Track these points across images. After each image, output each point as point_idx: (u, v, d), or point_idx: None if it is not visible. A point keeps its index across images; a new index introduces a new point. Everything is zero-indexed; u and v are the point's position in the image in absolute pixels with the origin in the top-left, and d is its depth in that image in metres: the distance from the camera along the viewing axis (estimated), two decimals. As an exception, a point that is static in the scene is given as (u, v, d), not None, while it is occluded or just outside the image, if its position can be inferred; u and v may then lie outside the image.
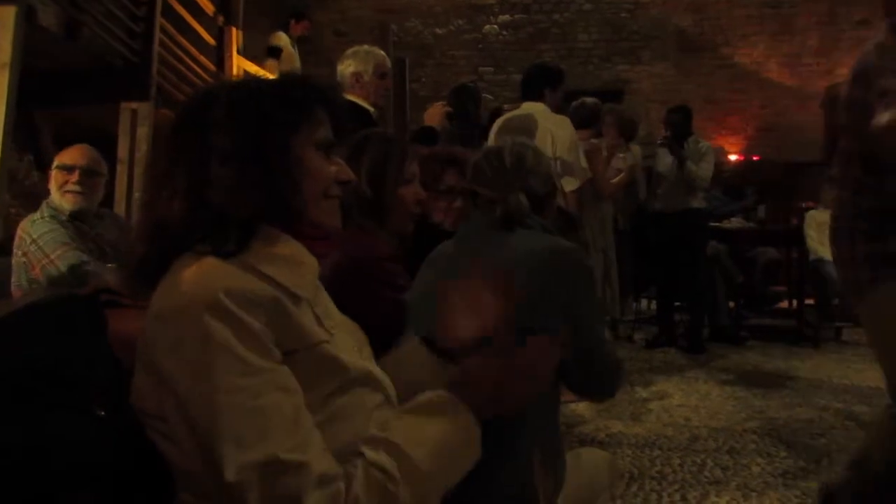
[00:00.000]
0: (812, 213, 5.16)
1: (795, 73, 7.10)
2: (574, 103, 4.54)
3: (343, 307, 1.43)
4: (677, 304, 5.25)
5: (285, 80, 1.03)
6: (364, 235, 1.64)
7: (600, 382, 1.45)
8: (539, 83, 3.87)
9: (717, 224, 5.67)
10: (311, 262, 0.99)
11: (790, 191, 6.09)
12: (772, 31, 7.18)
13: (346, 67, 3.00)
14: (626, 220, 5.19)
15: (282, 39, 5.98)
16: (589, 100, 4.61)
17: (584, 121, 4.52)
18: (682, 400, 3.83)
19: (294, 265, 0.95)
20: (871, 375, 4.37)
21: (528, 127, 3.88)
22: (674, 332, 5.09)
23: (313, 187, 0.98)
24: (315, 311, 0.96)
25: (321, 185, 0.99)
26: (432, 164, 2.04)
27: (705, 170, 4.85)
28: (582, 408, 3.61)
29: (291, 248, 0.96)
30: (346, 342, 1.02)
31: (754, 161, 6.81)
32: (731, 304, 5.46)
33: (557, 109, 3.93)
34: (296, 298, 0.92)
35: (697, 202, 4.86)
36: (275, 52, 5.83)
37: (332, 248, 1.57)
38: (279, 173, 0.93)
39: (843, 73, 6.75)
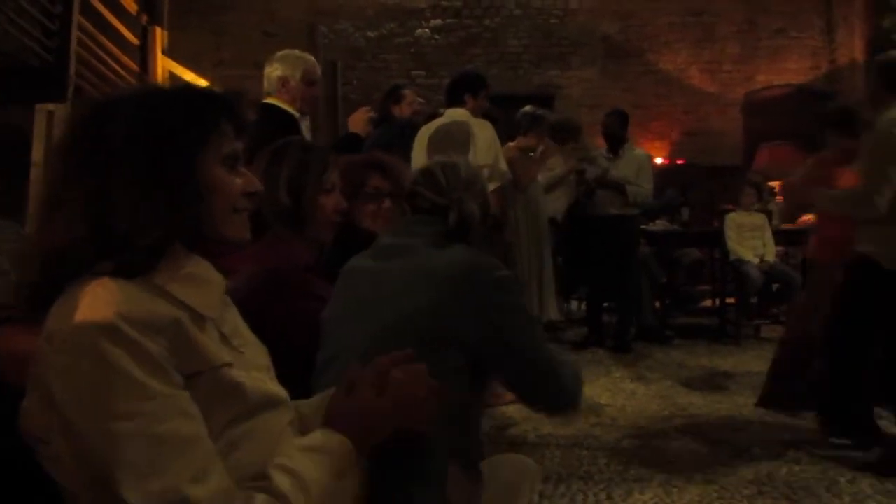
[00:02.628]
0: (731, 215, 5.34)
1: (716, 80, 7.36)
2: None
3: (262, 320, 1.41)
4: (606, 304, 5.37)
5: (188, 92, 1.00)
6: (283, 245, 1.62)
7: (555, 396, 1.41)
8: (461, 90, 3.92)
9: (643, 226, 5.83)
10: (217, 280, 0.97)
11: (712, 194, 6.30)
12: (694, 38, 7.42)
13: (274, 71, 2.95)
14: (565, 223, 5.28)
15: None
16: (527, 107, 4.70)
17: (523, 127, 4.60)
18: (610, 399, 3.91)
19: (200, 284, 0.93)
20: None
21: (463, 135, 3.91)
22: (602, 333, 5.20)
23: (221, 204, 0.96)
24: (221, 330, 0.94)
25: (229, 201, 0.97)
26: (355, 169, 2.03)
27: (646, 189, 4.98)
28: (512, 410, 3.64)
29: (198, 266, 0.94)
30: (256, 361, 1.00)
31: (679, 165, 7.02)
32: (657, 304, 5.61)
33: (483, 116, 3.99)
34: (201, 318, 0.89)
35: (629, 209, 4.96)
36: None
37: (242, 263, 1.55)
38: (185, 194, 0.90)
39: (762, 79, 7.06)
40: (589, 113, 6.49)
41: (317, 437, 0.96)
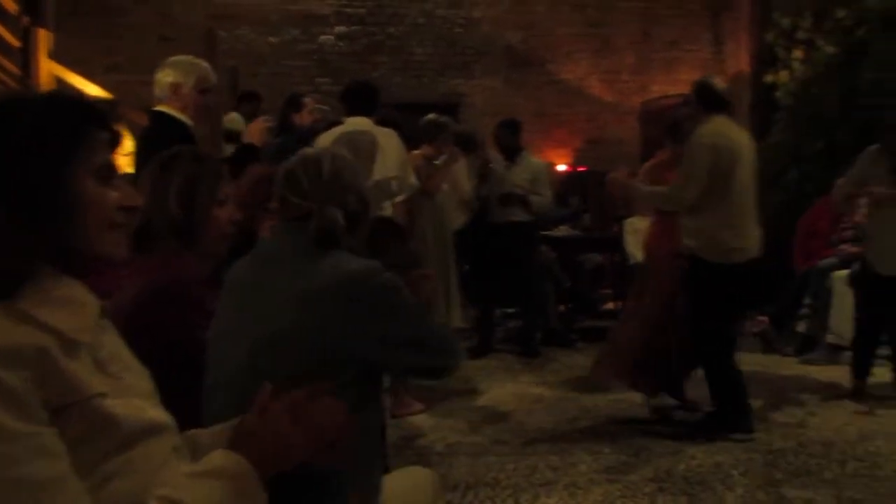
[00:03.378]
0: (630, 220, 5.52)
1: (615, 89, 7.62)
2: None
3: (151, 338, 1.34)
4: (511, 310, 5.46)
5: (54, 100, 0.93)
6: (173, 260, 1.55)
7: (444, 365, 1.50)
8: (361, 97, 3.91)
9: (546, 232, 5.95)
10: (91, 302, 0.90)
11: (611, 200, 6.50)
12: (593, 49, 7.65)
13: (165, 76, 2.82)
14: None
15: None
16: (431, 116, 4.70)
17: (427, 135, 4.60)
18: (517, 405, 3.96)
19: (72, 307, 0.86)
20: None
21: (369, 145, 3.88)
22: (492, 340, 5.22)
23: (94, 220, 0.89)
24: (97, 356, 0.88)
25: (103, 217, 0.91)
26: (264, 182, 1.98)
27: (546, 197, 5.07)
28: (420, 420, 3.64)
29: (70, 288, 0.87)
30: (137, 386, 0.95)
31: (580, 172, 7.21)
32: (562, 308, 5.73)
33: (385, 121, 3.98)
34: (72, 344, 0.83)
35: (523, 216, 5.02)
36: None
37: (130, 279, 1.48)
38: (51, 210, 0.84)
39: (657, 89, 7.34)
40: (493, 121, 6.51)
41: (211, 459, 0.92)
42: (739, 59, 7.68)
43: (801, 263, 5.38)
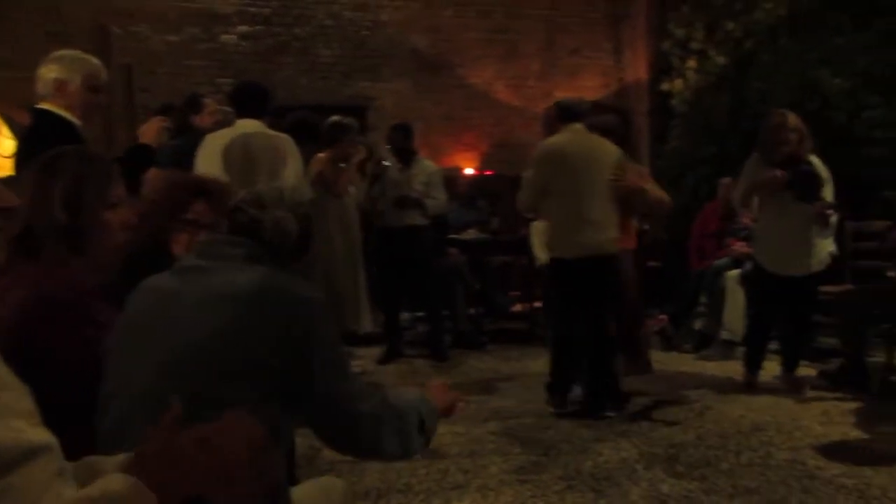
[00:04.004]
0: (536, 223, 5.59)
1: (520, 95, 7.75)
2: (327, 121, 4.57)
3: (34, 351, 1.24)
4: (419, 315, 5.45)
5: None
6: (58, 267, 1.44)
7: (369, 449, 1.36)
8: (253, 100, 3.81)
9: (455, 236, 5.98)
10: None
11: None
12: (500, 54, 7.76)
13: (49, 72, 2.64)
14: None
15: None
16: (334, 118, 4.64)
17: (331, 138, 4.54)
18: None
19: None
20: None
21: (269, 149, 3.78)
22: (400, 345, 5.20)
23: None
24: None
25: None
26: (180, 192, 1.88)
27: (441, 200, 5.06)
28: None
29: None
30: (15, 406, 0.87)
31: (487, 175, 7.29)
32: (471, 310, 5.77)
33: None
34: None
35: (418, 219, 4.99)
36: None
37: (12, 288, 1.37)
38: None
39: (561, 95, 7.48)
40: (402, 124, 6.56)
41: (104, 482, 0.84)
42: (638, 67, 7.97)
43: (697, 264, 5.62)
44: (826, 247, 3.97)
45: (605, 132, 3.94)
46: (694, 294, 5.53)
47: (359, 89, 7.30)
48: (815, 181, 3.79)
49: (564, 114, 3.88)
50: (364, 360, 5.03)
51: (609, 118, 4.26)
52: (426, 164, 5.16)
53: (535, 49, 7.88)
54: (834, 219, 3.89)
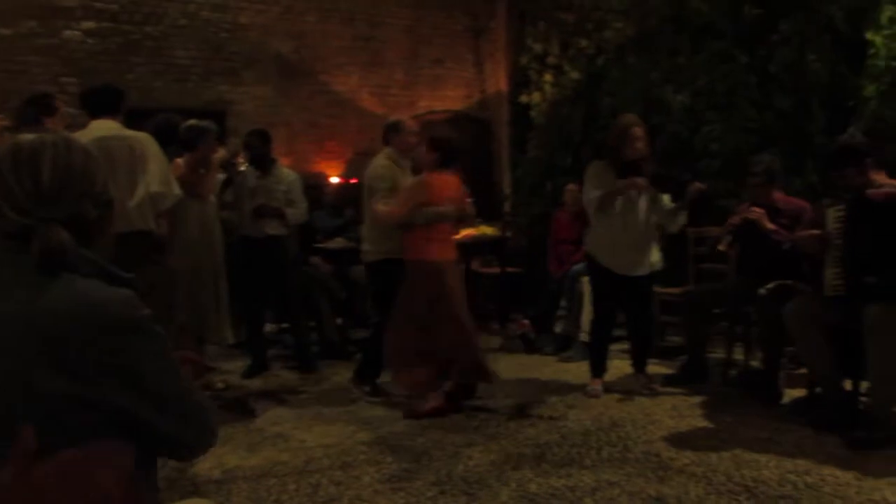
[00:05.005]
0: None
1: (385, 103, 7.76)
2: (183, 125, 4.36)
3: None
4: (285, 326, 5.31)
5: None
6: None
7: (200, 442, 1.24)
8: (107, 100, 3.60)
9: (321, 244, 5.90)
10: None
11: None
12: (364, 62, 7.74)
13: None
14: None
15: None
16: (191, 121, 4.45)
17: (189, 142, 4.35)
18: (297, 422, 3.85)
19: None
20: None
21: (126, 150, 3.57)
22: (265, 357, 5.07)
23: None
24: None
25: None
26: None
27: (301, 208, 4.91)
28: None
29: None
30: None
31: (352, 184, 7.24)
32: (339, 320, 5.70)
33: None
34: None
35: (278, 229, 4.87)
36: None
37: None
38: None
39: (424, 104, 7.57)
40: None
41: None
42: (498, 79, 8.23)
43: (556, 269, 5.86)
44: (656, 252, 4.26)
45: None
46: (554, 298, 5.76)
47: (218, 93, 7.03)
48: (678, 179, 4.09)
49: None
50: (228, 375, 4.84)
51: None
52: (286, 172, 5.01)
53: (399, 58, 7.94)
54: (682, 218, 4.17)
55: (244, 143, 5.00)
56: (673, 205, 4.16)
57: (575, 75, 7.00)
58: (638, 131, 4.08)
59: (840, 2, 4.81)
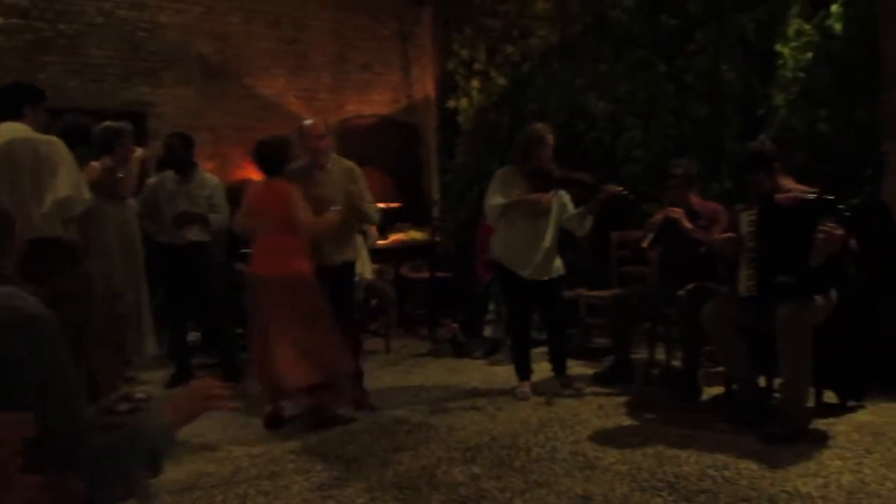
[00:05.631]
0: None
1: (312, 107, 7.67)
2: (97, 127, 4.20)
3: None
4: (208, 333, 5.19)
5: None
6: None
7: (96, 480, 1.18)
8: (18, 100, 3.45)
9: (248, 250, 5.77)
10: None
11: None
12: (290, 66, 7.63)
13: None
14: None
15: None
16: (106, 123, 4.30)
17: (105, 144, 4.20)
18: (223, 433, 3.77)
19: None
20: (387, 379, 4.93)
21: (31, 153, 3.42)
22: (189, 366, 4.94)
23: None
24: None
25: None
26: None
27: (224, 215, 4.80)
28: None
29: None
30: None
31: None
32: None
33: (42, 129, 3.56)
34: None
35: (201, 235, 4.76)
36: None
37: None
38: None
39: (352, 109, 7.52)
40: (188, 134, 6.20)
41: None
42: (425, 84, 8.26)
43: (483, 274, 5.92)
44: (558, 259, 4.34)
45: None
46: (483, 302, 5.81)
47: (137, 94, 6.80)
48: (587, 183, 4.17)
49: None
50: (150, 385, 4.69)
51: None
52: (207, 177, 4.88)
53: (326, 62, 7.86)
54: (588, 223, 4.27)
55: (164, 146, 4.86)
56: (578, 210, 4.25)
57: (501, 81, 7.10)
58: (548, 138, 4.17)
59: (750, 15, 5.03)
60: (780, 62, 4.76)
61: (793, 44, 4.70)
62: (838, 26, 4.51)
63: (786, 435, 3.29)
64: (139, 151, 4.51)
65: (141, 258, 4.43)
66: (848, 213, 3.37)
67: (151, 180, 4.88)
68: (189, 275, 4.72)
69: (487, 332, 5.71)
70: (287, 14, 7.59)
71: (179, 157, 4.74)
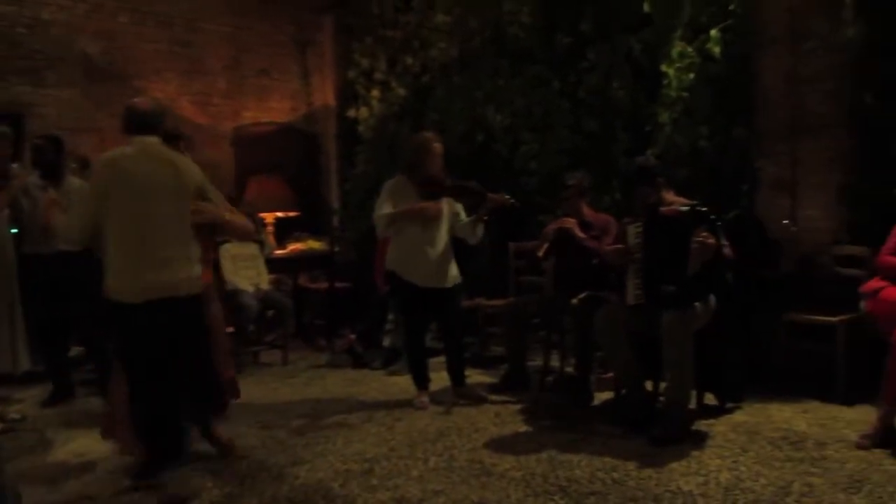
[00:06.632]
0: (226, 245, 5.44)
1: (207, 112, 7.44)
2: None
3: None
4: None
5: None
6: None
7: None
8: None
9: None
10: None
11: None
12: (183, 69, 7.37)
13: None
14: None
15: None
16: None
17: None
18: (104, 451, 3.57)
19: None
20: (285, 392, 4.83)
21: None
22: (70, 383, 4.67)
23: None
24: None
25: None
26: None
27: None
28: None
29: None
30: None
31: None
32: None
33: None
34: None
35: (67, 244, 4.50)
36: None
37: None
38: None
39: (249, 115, 7.36)
40: (72, 136, 5.86)
41: None
42: (326, 92, 8.18)
43: (383, 283, 5.90)
44: (454, 266, 4.38)
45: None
46: (382, 312, 5.80)
47: (15, 94, 6.39)
48: (476, 190, 4.23)
49: (131, 123, 3.15)
50: (24, 405, 4.40)
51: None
52: (78, 183, 4.55)
53: (221, 66, 7.65)
54: (480, 231, 4.33)
55: (32, 148, 4.53)
56: (469, 218, 4.32)
57: (402, 92, 7.13)
58: (437, 147, 4.22)
59: (638, 36, 5.28)
60: (666, 82, 5.02)
61: (677, 65, 4.96)
62: (717, 50, 4.79)
63: (670, 436, 3.44)
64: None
65: (13, 272, 4.15)
66: (719, 223, 3.58)
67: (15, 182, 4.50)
68: (59, 286, 4.41)
69: (386, 342, 5.70)
70: (180, 16, 7.34)
71: (49, 161, 4.46)
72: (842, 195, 4.31)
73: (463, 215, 4.37)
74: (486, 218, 4.23)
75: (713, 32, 4.82)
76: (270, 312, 5.89)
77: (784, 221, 4.51)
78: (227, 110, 7.62)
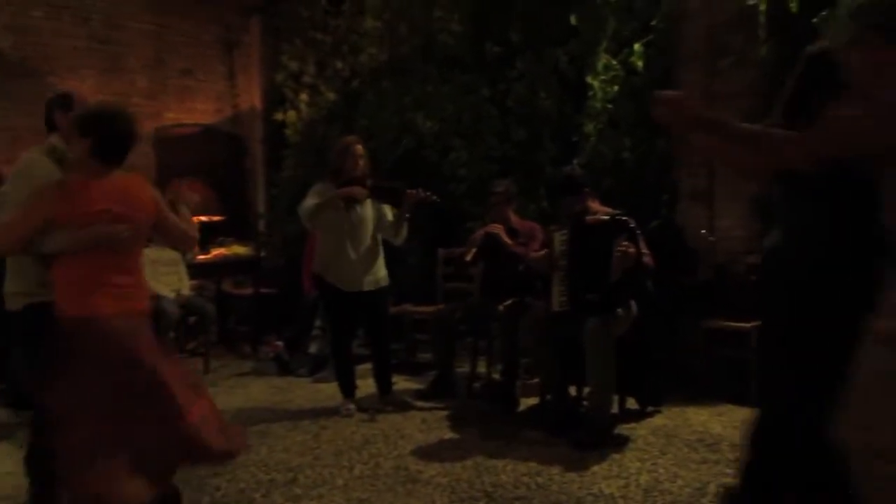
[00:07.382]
0: (146, 250, 5.23)
1: (126, 112, 7.19)
2: None
3: None
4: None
5: None
6: None
7: None
8: None
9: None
10: None
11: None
12: (101, 67, 7.10)
13: None
14: None
15: None
16: None
17: None
18: (15, 466, 3.39)
19: None
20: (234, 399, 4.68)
21: None
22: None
23: None
24: None
25: None
26: None
27: None
28: None
29: None
30: None
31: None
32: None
33: None
34: None
35: None
36: None
37: None
38: None
39: (171, 117, 7.15)
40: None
41: None
42: (252, 95, 8.03)
43: (310, 288, 5.82)
44: (383, 268, 4.36)
45: None
46: (309, 318, 5.72)
47: (-86, 88, 6.03)
48: (396, 188, 4.21)
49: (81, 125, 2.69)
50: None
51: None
52: None
53: (142, 66, 7.40)
54: (404, 231, 4.32)
55: None
56: (394, 218, 4.31)
57: (331, 96, 7.06)
58: (358, 149, 4.22)
59: (565, 48, 5.39)
60: (591, 93, 5.13)
61: (601, 77, 5.08)
62: (640, 63, 4.94)
63: (593, 440, 3.51)
64: None
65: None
66: (640, 232, 3.69)
67: None
68: None
69: (313, 348, 5.62)
70: (99, 12, 7.07)
71: None
72: (755, 206, 4.50)
73: (389, 216, 4.35)
74: (408, 216, 4.23)
75: (637, 46, 4.96)
76: (192, 319, 5.72)
77: (702, 231, 4.68)
78: (148, 110, 7.36)
